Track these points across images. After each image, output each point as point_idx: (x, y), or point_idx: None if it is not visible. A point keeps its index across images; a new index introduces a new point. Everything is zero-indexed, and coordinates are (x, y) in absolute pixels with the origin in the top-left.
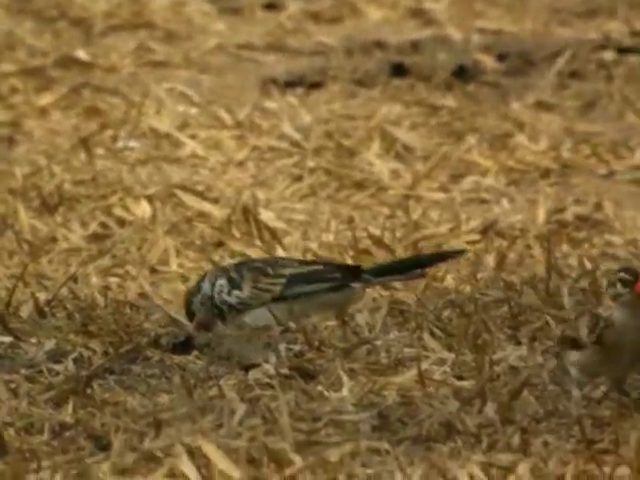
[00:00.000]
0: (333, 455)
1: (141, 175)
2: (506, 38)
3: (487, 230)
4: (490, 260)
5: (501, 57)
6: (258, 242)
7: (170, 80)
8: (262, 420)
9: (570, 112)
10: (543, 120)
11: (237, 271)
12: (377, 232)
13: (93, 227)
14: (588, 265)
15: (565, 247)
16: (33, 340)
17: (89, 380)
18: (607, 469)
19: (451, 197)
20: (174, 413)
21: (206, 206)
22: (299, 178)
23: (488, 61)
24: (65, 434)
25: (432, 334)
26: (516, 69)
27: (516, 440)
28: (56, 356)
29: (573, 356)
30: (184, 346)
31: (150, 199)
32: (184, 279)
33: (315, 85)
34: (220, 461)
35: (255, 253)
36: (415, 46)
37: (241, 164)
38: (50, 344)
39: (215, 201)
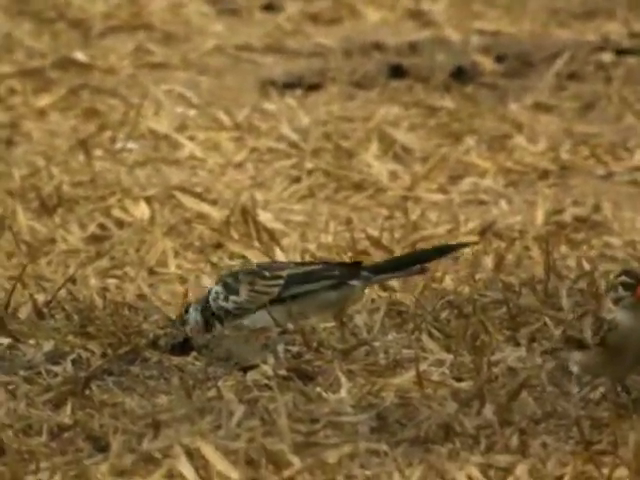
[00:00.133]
0: (331, 456)
1: (140, 176)
2: (504, 39)
3: (486, 231)
4: (489, 261)
5: (499, 58)
6: (257, 243)
7: (169, 81)
8: (260, 421)
9: (569, 113)
10: (542, 121)
11: (232, 276)
12: (375, 233)
13: (92, 228)
14: (587, 266)
15: (564, 248)
16: (32, 341)
17: (87, 381)
18: (605, 470)
19: (450, 198)
20: (173, 414)
21: (205, 207)
22: (297, 179)
23: (486, 62)
24: (64, 435)
25: (430, 335)
26: (514, 70)
27: (515, 441)
28: (55, 357)
29: (576, 356)
30: (182, 347)
31: (149, 200)
32: (182, 280)
33: (314, 86)
34: (218, 462)
35: (254, 254)
36: (413, 47)
37: (240, 165)
38: (49, 345)
39: (214, 202)
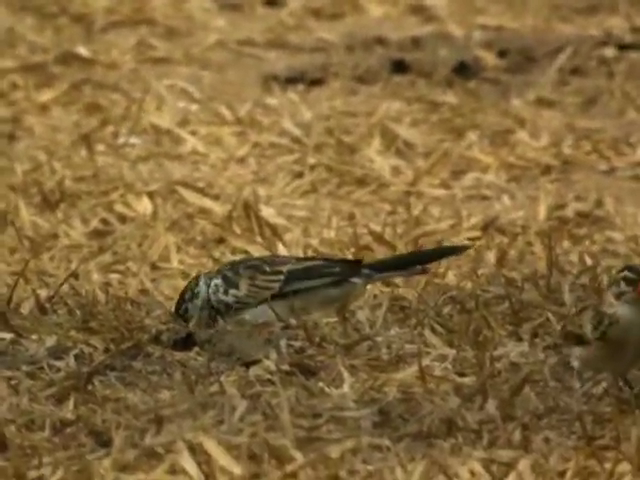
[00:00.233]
0: (334, 451)
1: (142, 171)
2: (507, 34)
3: (488, 226)
4: (491, 256)
5: (502, 53)
6: (259, 238)
7: (171, 76)
8: (263, 416)
9: (571, 108)
10: (544, 116)
11: (232, 270)
12: (378, 228)
13: (94, 224)
14: (589, 261)
15: (566, 243)
16: (34, 337)
17: (90, 376)
18: (608, 465)
19: (452, 193)
20: (175, 409)
21: (207, 202)
22: (300, 175)
23: (489, 57)
24: (66, 430)
25: (433, 330)
26: (517, 65)
27: (517, 436)
28: (57, 353)
29: (577, 351)
30: (185, 342)
31: (151, 195)
32: (185, 275)
33: (316, 81)
34: (221, 457)
35: (256, 249)
36: (416, 42)
37: (242, 160)
38: (51, 341)
39: (216, 197)
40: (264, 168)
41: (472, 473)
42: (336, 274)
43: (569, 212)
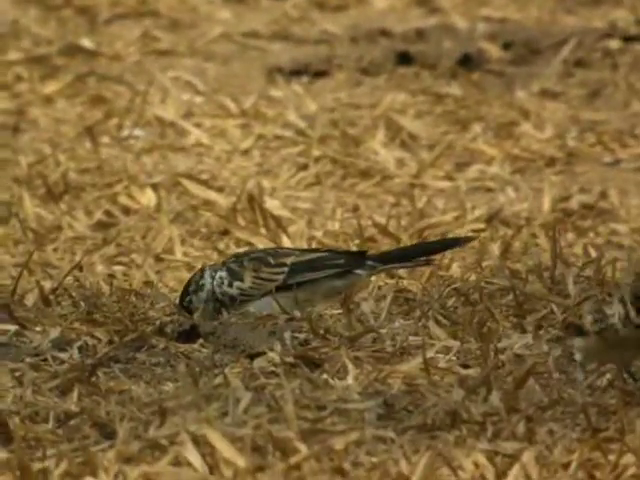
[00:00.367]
0: (338, 443)
1: (146, 164)
2: (511, 26)
3: (492, 218)
4: (495, 248)
5: (506, 45)
6: (263, 230)
7: (175, 69)
8: (267, 408)
9: (575, 100)
10: (548, 108)
11: (237, 262)
12: (382, 220)
13: (98, 216)
14: (593, 253)
15: (570, 235)
16: (38, 328)
17: (94, 368)
18: (612, 457)
19: (456, 185)
20: (179, 401)
21: (211, 195)
22: (304, 167)
23: (493, 49)
24: (70, 422)
25: (437, 322)
26: (521, 57)
27: (521, 428)
28: (61, 344)
29: (578, 343)
30: (189, 334)
31: (155, 188)
32: (189, 267)
33: (320, 74)
34: (225, 449)
35: (260, 242)
36: (420, 34)
37: (246, 153)
38: (55, 332)
39: (220, 190)
40: (268, 160)
41: (476, 465)
42: (340, 266)
43: (573, 204)
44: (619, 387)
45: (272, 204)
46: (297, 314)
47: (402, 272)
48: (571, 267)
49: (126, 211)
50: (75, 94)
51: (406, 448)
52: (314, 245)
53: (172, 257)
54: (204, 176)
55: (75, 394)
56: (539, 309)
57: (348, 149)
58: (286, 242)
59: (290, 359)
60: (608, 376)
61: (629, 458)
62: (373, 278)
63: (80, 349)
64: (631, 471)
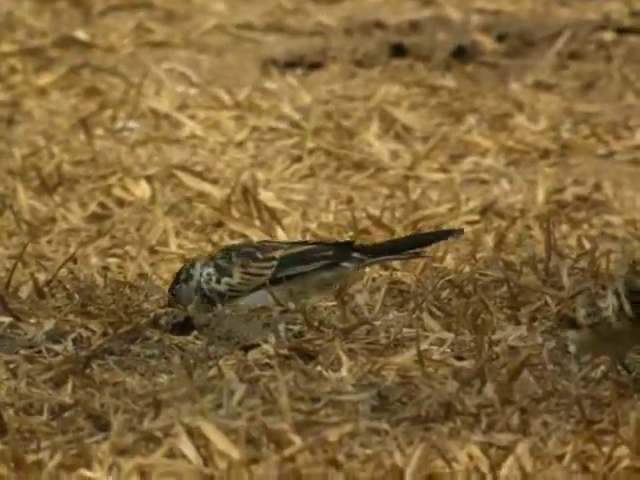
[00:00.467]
0: (332, 435)
1: (140, 155)
2: (505, 18)
3: (486, 210)
4: (489, 240)
5: (500, 37)
6: (257, 222)
7: (169, 60)
8: (261, 400)
9: (569, 92)
10: (542, 100)
11: (224, 258)
12: (376, 212)
13: (92, 208)
14: (587, 245)
15: (564, 227)
16: (32, 320)
17: (88, 360)
18: (606, 449)
19: (450, 177)
20: (173, 393)
21: (205, 186)
22: (299, 159)
23: (487, 41)
24: (64, 414)
25: (431, 314)
26: (515, 49)
27: (515, 420)
28: (55, 336)
29: (571, 335)
30: (183, 326)
31: (149, 179)
32: (184, 260)
33: (315, 65)
34: (219, 441)
35: (255, 234)
36: (414, 26)
37: (240, 144)
38: (49, 324)
39: (214, 182)
40: (263, 152)
41: (470, 457)
42: (328, 257)
43: (567, 196)
44: (613, 379)
45: (266, 196)
46: (291, 306)
47: (396, 264)
48: (565, 259)
49: (120, 203)
50: (69, 86)
51: (400, 440)
52: (308, 237)
53: (166, 249)
54: (198, 168)
55: (69, 386)
56: (533, 301)
57: (342, 141)
58: (280, 234)
59: (284, 351)
60: (602, 368)
61: (623, 450)
62: (367, 269)
63: (74, 341)
64: (625, 463)
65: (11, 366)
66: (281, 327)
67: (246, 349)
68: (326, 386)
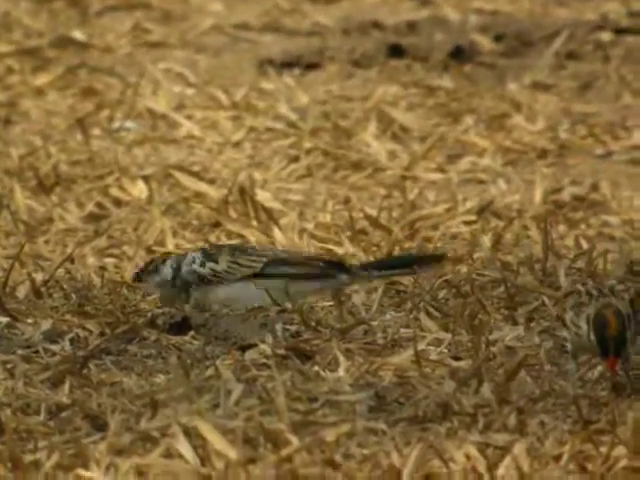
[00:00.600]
0: (329, 435)
1: (137, 156)
2: (503, 19)
3: (484, 210)
4: (487, 240)
5: (498, 38)
6: (255, 223)
7: (166, 60)
8: (259, 400)
9: (567, 93)
10: (540, 101)
11: (214, 248)
12: (374, 213)
13: (89, 208)
14: (585, 245)
15: (562, 227)
16: (30, 320)
17: (86, 360)
18: (604, 449)
19: (448, 177)
20: (171, 393)
21: (202, 187)
22: (296, 159)
23: (485, 42)
24: (62, 414)
25: (429, 314)
26: (513, 50)
27: (512, 420)
28: (53, 336)
29: (566, 334)
30: (180, 326)
31: (147, 180)
32: None
33: (312, 66)
34: (216, 441)
35: (252, 234)
36: (412, 27)
37: (238, 145)
38: (47, 324)
39: (211, 182)
40: (260, 152)
41: (468, 457)
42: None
43: (565, 196)
44: (610, 379)
45: (263, 196)
46: (288, 306)
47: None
48: (562, 259)
49: (117, 203)
50: (66, 86)
51: (397, 440)
52: (305, 238)
53: (163, 249)
54: (195, 168)
55: (66, 386)
56: (530, 301)
57: (340, 141)
58: (277, 234)
59: (281, 351)
60: (599, 368)
61: (620, 450)
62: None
63: (71, 341)
64: (622, 463)
65: (8, 366)
66: (278, 327)
67: (243, 349)
68: (323, 386)
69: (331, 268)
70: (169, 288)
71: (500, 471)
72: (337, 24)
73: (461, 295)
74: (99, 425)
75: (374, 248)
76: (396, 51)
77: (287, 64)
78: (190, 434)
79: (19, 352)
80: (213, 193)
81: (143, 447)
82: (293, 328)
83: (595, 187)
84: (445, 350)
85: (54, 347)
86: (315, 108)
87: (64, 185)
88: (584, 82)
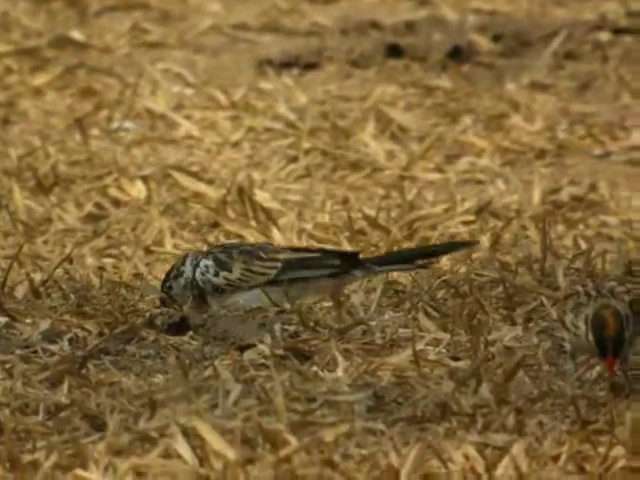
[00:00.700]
0: (328, 435)
1: (136, 156)
2: (501, 19)
3: (482, 211)
4: (485, 240)
5: (496, 38)
6: (253, 223)
7: (165, 61)
8: (257, 400)
9: (565, 93)
10: (538, 101)
11: (225, 253)
12: (372, 213)
13: (88, 208)
14: (583, 245)
15: (560, 227)
16: (28, 320)
17: (84, 360)
18: (602, 449)
19: (446, 178)
20: (169, 393)
21: (201, 187)
22: (294, 159)
23: (483, 42)
24: (60, 414)
25: (427, 314)
26: (511, 50)
27: (511, 420)
28: (51, 336)
29: (565, 335)
30: (179, 326)
31: (145, 180)
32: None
33: (310, 66)
34: (215, 441)
35: (250, 234)
36: (410, 27)
37: (236, 145)
38: (45, 324)
39: (210, 182)
40: (258, 152)
41: (466, 457)
42: (336, 266)
43: (563, 196)
44: (609, 379)
45: (262, 196)
46: (287, 306)
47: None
48: (561, 259)
49: (116, 203)
50: (65, 86)
51: (396, 440)
52: (304, 237)
53: (162, 249)
54: (194, 168)
55: (65, 386)
56: (529, 301)
57: (338, 141)
58: (276, 234)
59: (280, 351)
60: (598, 368)
61: (619, 450)
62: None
63: (70, 341)
64: (621, 463)
65: (7, 366)
66: (277, 327)
67: (242, 349)
68: (322, 386)
69: (344, 265)
70: (192, 289)
71: (498, 471)
72: (335, 24)
73: (460, 295)
74: (98, 425)
75: (372, 248)
76: (394, 51)
77: (286, 64)
78: (189, 434)
79: (18, 352)
80: (212, 193)
81: (142, 447)
82: (292, 328)
83: (593, 187)
84: (444, 350)
85: (53, 347)
86: (314, 108)
87: (63, 185)
88: (582, 82)
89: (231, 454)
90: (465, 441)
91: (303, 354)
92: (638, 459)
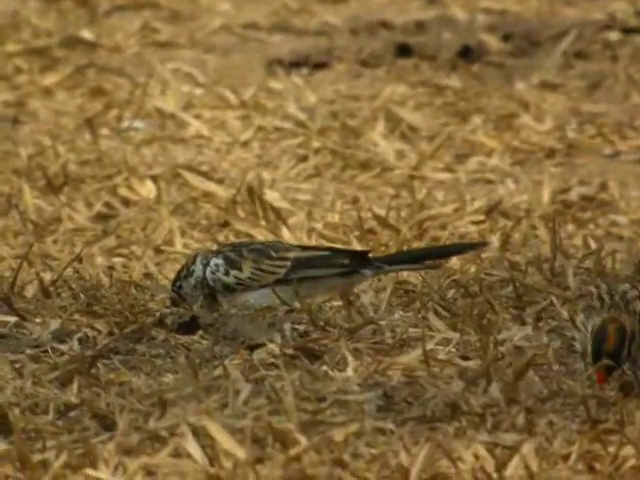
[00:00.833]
0: (338, 435)
1: (146, 155)
2: (511, 18)
3: (492, 210)
4: (495, 240)
5: (506, 37)
6: (263, 222)
7: (175, 60)
8: (267, 400)
9: (575, 92)
10: (548, 100)
11: (235, 252)
12: (382, 212)
13: (98, 207)
14: (593, 245)
15: (570, 227)
16: (38, 320)
17: (94, 360)
18: (612, 449)
19: (456, 177)
20: (179, 393)
21: (211, 186)
22: (304, 158)
23: (493, 41)
24: (70, 414)
25: (437, 314)
26: (521, 49)
27: (521, 420)
28: (61, 336)
29: (576, 335)
30: (189, 326)
31: (155, 179)
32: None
33: (320, 65)
34: (225, 441)
35: (260, 233)
36: (420, 26)
37: (246, 144)
38: (55, 324)
39: (220, 181)
40: (268, 152)
41: (476, 457)
42: (345, 265)
43: (573, 196)
44: (619, 379)
45: (272, 196)
46: (297, 306)
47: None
48: (571, 259)
49: (126, 203)
50: (75, 86)
51: (406, 440)
52: (314, 237)
53: (172, 249)
54: (204, 168)
55: (75, 386)
56: (539, 301)
57: (348, 141)
58: (286, 234)
59: (290, 351)
60: None
61: (629, 450)
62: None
63: (80, 341)
64: (631, 463)
65: (17, 366)
66: (287, 327)
67: (252, 349)
68: (332, 386)
69: (354, 264)
70: (203, 288)
71: (508, 471)
72: (345, 24)
73: (469, 295)
74: (107, 425)
75: (382, 248)
76: (404, 51)
77: (295, 64)
78: (198, 434)
79: (28, 352)
80: (221, 193)
81: (151, 447)
82: (301, 328)
83: (603, 187)
84: (453, 350)
85: (62, 347)
86: (323, 108)
87: (73, 185)
88: (592, 82)
89: (241, 453)
90: (475, 441)
91: (313, 353)
92: None
